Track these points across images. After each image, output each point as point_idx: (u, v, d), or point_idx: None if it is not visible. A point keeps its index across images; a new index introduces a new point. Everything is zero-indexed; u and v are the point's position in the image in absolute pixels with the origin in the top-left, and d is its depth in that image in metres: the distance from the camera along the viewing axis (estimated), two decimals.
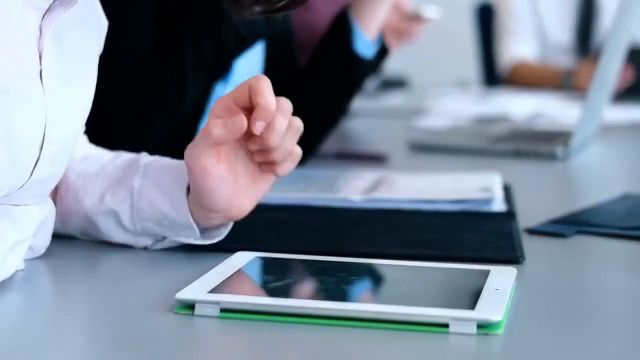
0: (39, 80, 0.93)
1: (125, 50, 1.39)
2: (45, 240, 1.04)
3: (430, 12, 2.13)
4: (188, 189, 1.05)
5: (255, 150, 1.03)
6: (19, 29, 0.91)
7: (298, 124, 1.04)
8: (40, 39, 0.93)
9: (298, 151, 1.05)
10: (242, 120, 0.98)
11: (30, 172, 0.94)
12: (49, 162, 0.96)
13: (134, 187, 1.07)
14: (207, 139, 1.00)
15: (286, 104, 1.02)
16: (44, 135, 0.94)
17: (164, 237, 1.08)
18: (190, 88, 1.42)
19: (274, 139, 1.01)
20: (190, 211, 1.04)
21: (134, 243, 1.09)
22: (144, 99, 1.40)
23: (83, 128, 1.10)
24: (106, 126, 1.37)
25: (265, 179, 1.05)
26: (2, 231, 0.94)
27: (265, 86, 0.99)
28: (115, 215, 1.08)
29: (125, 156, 1.13)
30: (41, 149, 0.94)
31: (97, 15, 1.06)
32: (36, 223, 0.99)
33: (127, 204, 1.07)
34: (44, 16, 0.93)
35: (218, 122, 0.99)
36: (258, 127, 0.99)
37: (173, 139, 1.46)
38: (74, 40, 0.99)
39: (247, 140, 1.03)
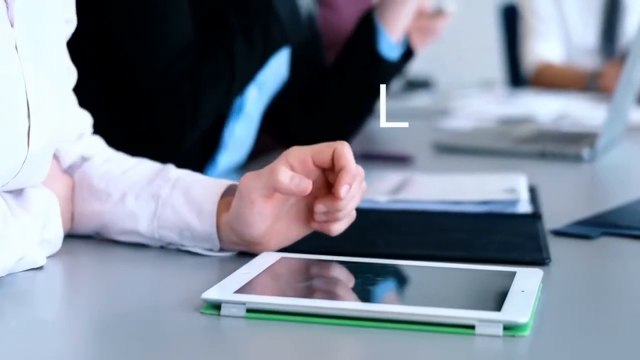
0: (15, 50, 0.95)
1: (172, 38, 1.39)
2: (57, 230, 1.04)
3: (451, 5, 2.13)
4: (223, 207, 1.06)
5: (321, 211, 1.04)
6: None
7: (365, 187, 1.06)
8: (8, 11, 0.95)
9: (354, 214, 1.07)
10: (308, 185, 1.00)
11: (26, 142, 0.96)
12: (41, 131, 0.97)
13: (160, 195, 1.08)
14: (270, 179, 1.00)
15: (362, 171, 1.04)
16: (27, 102, 0.95)
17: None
18: (239, 81, 1.42)
19: (344, 202, 1.03)
20: (220, 227, 1.05)
21: (147, 244, 1.10)
22: (193, 90, 1.40)
23: (72, 99, 1.12)
24: (147, 115, 1.38)
25: (300, 229, 1.06)
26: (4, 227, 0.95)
27: (350, 152, 1.01)
28: (134, 219, 1.08)
29: (148, 163, 1.14)
30: (29, 117, 0.95)
31: None
32: (41, 212, 1.00)
33: (150, 210, 1.08)
34: None
35: (287, 173, 1.00)
36: (344, 191, 1.01)
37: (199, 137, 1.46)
38: (39, 9, 1.00)
39: (317, 198, 1.03)
